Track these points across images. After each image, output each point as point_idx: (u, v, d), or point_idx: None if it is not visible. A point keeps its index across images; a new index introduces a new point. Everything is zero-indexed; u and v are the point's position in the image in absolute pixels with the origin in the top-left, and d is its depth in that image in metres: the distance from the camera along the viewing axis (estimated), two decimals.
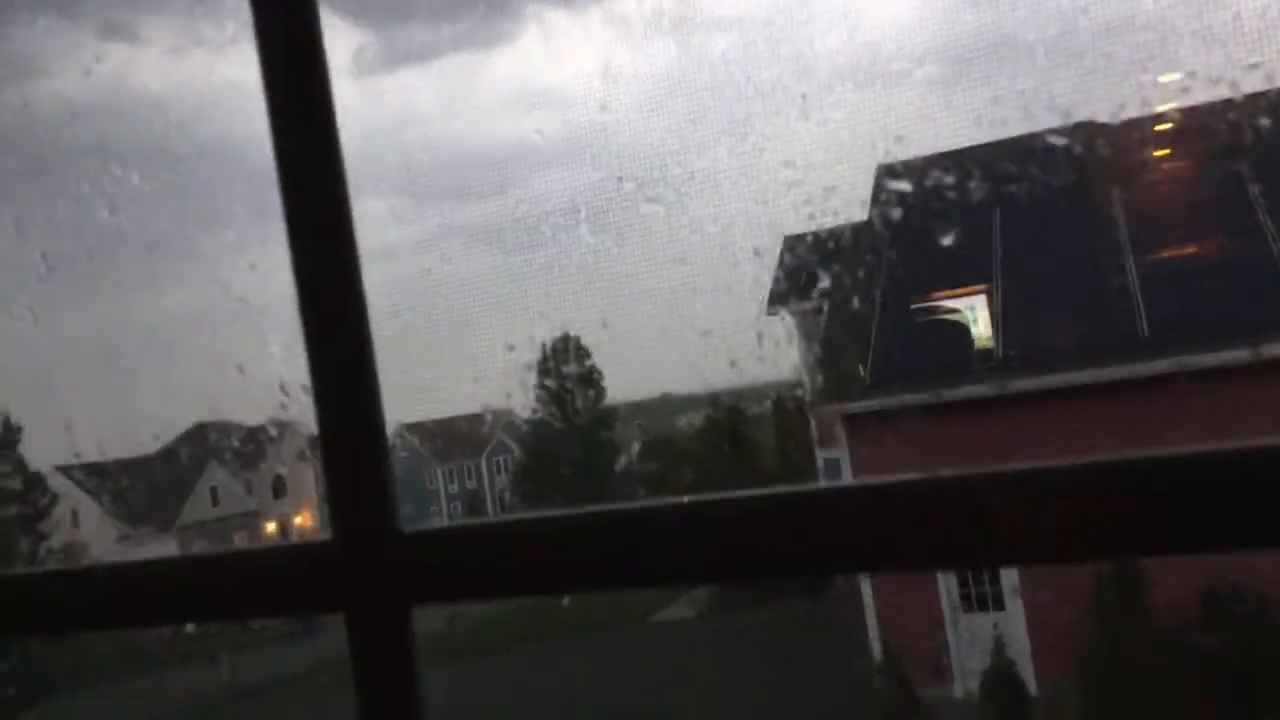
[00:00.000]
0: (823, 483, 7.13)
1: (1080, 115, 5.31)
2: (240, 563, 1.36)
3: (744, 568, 1.13)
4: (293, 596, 1.28)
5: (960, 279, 6.40)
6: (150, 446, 10.00)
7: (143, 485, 11.40)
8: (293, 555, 1.32)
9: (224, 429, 11.33)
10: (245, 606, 1.37)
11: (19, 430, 10.25)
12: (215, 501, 12.63)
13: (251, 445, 11.77)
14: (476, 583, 1.18)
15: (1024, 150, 5.88)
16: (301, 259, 1.19)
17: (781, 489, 1.05)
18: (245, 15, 1.25)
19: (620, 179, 4.37)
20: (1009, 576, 7.00)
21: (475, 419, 10.27)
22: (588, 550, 1.09)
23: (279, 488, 12.70)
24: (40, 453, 10.49)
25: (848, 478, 6.86)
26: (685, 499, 1.05)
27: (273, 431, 11.73)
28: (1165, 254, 6.24)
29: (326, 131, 1.22)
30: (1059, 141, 5.56)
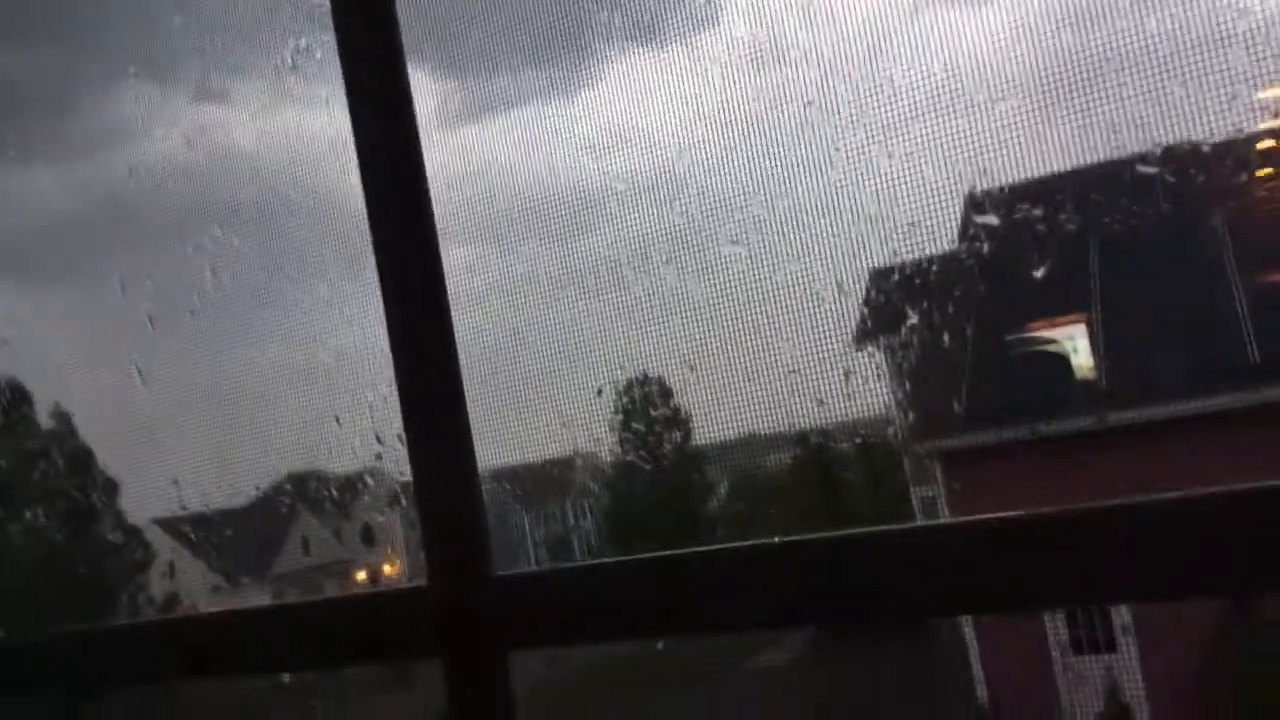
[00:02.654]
0: (920, 521, 6.92)
1: (1178, 137, 5.12)
2: (333, 610, 1.29)
3: (840, 609, 1.02)
4: (387, 643, 1.19)
5: (1057, 309, 6.21)
6: (245, 498, 10.14)
7: (237, 536, 11.59)
8: (387, 601, 1.25)
9: (314, 479, 11.45)
10: (337, 654, 1.29)
11: (118, 485, 10.49)
12: (307, 551, 12.77)
13: (341, 495, 11.88)
14: (573, 626, 1.09)
15: (1118, 175, 5.69)
16: (393, 309, 1.14)
17: (878, 527, 0.96)
18: (336, 72, 1.21)
19: (700, 219, 4.28)
20: (1119, 616, 6.72)
21: (561, 463, 10.23)
22: (683, 591, 1.00)
23: (369, 536, 12.81)
24: (140, 506, 10.73)
25: (945, 515, 6.69)
26: (779, 539, 0.96)
27: (363, 480, 11.80)
28: (1275, 277, 5.98)
29: (416, 182, 1.17)
30: (1155, 164, 5.37)
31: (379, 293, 1.23)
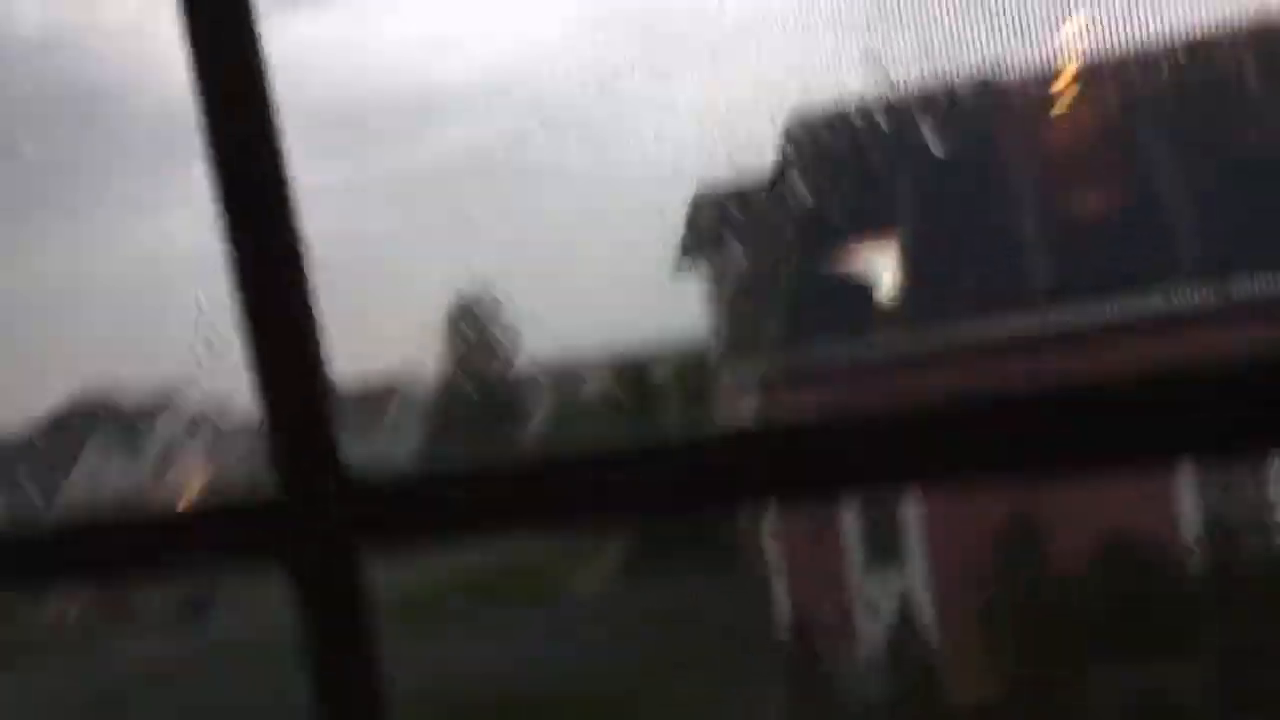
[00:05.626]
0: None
1: (986, 68, 5.33)
2: (163, 518, 1.17)
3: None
4: (224, 553, 1.09)
5: (866, 234, 6.42)
6: (27, 425, 9.52)
7: (22, 463, 10.94)
8: (224, 509, 1.14)
9: (103, 404, 10.85)
10: (176, 560, 1.17)
11: None
12: (96, 479, 12.13)
13: (133, 421, 11.31)
14: (438, 528, 1.02)
15: (929, 104, 5.90)
16: (232, 204, 1.05)
17: (674, 437, 0.98)
18: None
19: (525, 131, 4.23)
20: (911, 530, 7.10)
21: (376, 386, 10.00)
22: (548, 492, 0.97)
23: (163, 465, 12.26)
24: None
25: None
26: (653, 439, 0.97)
27: (157, 406, 11.29)
28: (1063, 208, 6.35)
29: (253, 72, 1.07)
30: (964, 95, 5.59)
31: (190, 195, 1.13)
